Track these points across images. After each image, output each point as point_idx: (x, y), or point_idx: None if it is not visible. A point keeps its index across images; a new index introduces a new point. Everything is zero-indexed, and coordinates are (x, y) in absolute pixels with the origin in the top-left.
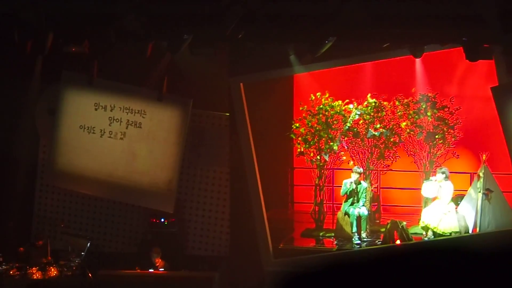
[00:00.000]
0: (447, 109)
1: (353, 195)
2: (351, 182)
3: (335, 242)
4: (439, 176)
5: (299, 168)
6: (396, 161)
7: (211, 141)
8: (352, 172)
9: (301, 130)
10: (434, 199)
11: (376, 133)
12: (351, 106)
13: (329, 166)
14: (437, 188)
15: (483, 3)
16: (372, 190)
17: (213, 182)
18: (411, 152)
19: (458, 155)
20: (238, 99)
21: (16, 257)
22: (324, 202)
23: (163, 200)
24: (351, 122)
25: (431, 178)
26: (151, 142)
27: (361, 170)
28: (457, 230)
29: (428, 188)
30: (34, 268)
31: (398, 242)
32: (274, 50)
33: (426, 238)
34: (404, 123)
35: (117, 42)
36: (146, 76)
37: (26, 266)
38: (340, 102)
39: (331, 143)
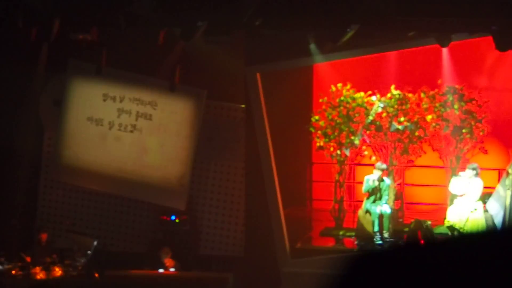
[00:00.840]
0: (475, 102)
1: (375, 192)
2: (374, 180)
3: (356, 242)
4: (469, 172)
5: (318, 163)
6: (420, 156)
7: (225, 134)
8: (375, 168)
9: (320, 123)
10: (461, 196)
11: (400, 127)
12: (373, 98)
13: (350, 162)
14: (465, 184)
15: None
16: (395, 187)
17: (227, 177)
18: (437, 147)
19: (486, 150)
20: (254, 90)
21: (19, 256)
22: (344, 199)
23: (175, 197)
24: (374, 115)
25: (460, 173)
26: (163, 135)
27: (384, 166)
28: (485, 230)
29: (457, 184)
30: (37, 268)
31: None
32: (293, 38)
33: None
34: (430, 117)
35: (127, 29)
36: (157, 66)
37: (29, 265)
38: (362, 94)
39: (352, 137)
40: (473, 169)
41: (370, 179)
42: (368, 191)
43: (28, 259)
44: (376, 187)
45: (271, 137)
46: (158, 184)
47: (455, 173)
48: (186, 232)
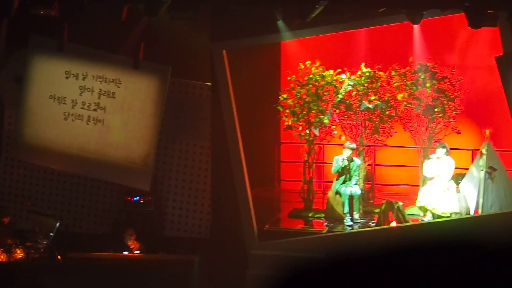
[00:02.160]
0: (447, 80)
1: (345, 173)
2: (343, 159)
3: (325, 223)
4: (440, 152)
5: (287, 143)
6: (391, 136)
7: (191, 113)
8: (344, 148)
9: (289, 101)
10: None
11: (370, 106)
12: (343, 76)
13: (319, 141)
14: (437, 165)
15: None
16: (365, 167)
17: (193, 157)
18: (408, 127)
19: (459, 131)
20: (220, 67)
21: None
22: (314, 180)
23: (139, 177)
24: (343, 93)
25: (431, 156)
26: (126, 113)
27: (354, 145)
28: (458, 211)
29: (430, 167)
30: None
31: (393, 224)
32: (260, 14)
33: (424, 219)
34: (401, 95)
35: (89, 4)
36: (121, 42)
37: None
38: (331, 71)
39: (322, 116)
40: (443, 147)
41: (340, 159)
42: (337, 172)
43: None
44: (345, 167)
45: (238, 116)
46: (122, 163)
47: (427, 153)
48: (150, 213)
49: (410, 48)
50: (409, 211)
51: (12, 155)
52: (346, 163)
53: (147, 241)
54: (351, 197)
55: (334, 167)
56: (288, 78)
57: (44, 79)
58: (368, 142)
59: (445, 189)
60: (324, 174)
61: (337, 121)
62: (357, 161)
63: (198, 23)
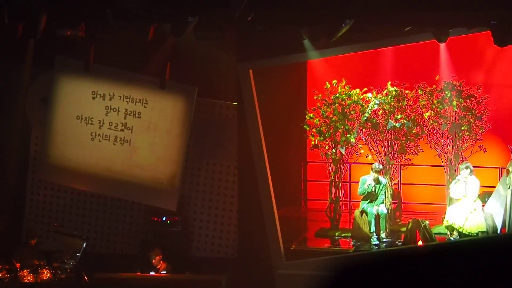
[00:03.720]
0: (473, 98)
1: (371, 195)
2: (369, 185)
3: (352, 242)
4: (464, 172)
5: (313, 162)
6: (418, 154)
7: (217, 132)
8: (371, 170)
9: (315, 121)
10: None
11: (396, 124)
12: (369, 95)
13: (346, 160)
14: (463, 186)
15: None
16: (392, 186)
17: (219, 177)
18: (435, 145)
19: (485, 149)
20: (247, 87)
21: (6, 258)
22: (340, 199)
23: (166, 197)
24: (370, 112)
25: (457, 178)
26: (153, 133)
27: (381, 167)
28: (484, 229)
29: (456, 188)
30: (25, 271)
31: (420, 243)
32: (286, 33)
33: (451, 239)
34: (427, 114)
35: (115, 24)
36: (147, 62)
37: (16, 268)
38: (358, 90)
39: (348, 135)
40: (466, 167)
41: (367, 180)
42: (363, 194)
43: (16, 262)
44: (371, 191)
45: (265, 135)
46: (148, 184)
47: (453, 172)
48: (177, 234)
49: (436, 66)
50: (436, 229)
51: (39, 176)
52: (373, 186)
53: (174, 261)
54: (377, 216)
55: (360, 189)
56: (315, 97)
57: (70, 100)
58: (394, 161)
59: (472, 209)
60: (350, 193)
61: (364, 140)
62: (384, 180)
63: (224, 43)
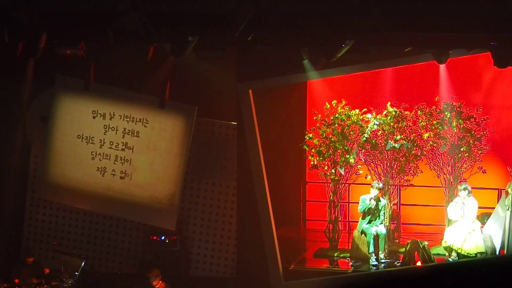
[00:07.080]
0: (473, 120)
1: (371, 212)
2: (371, 199)
3: (351, 263)
4: (462, 194)
5: (312, 182)
6: (417, 175)
7: (217, 152)
8: (372, 187)
9: (314, 141)
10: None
11: (396, 145)
12: (369, 115)
13: (345, 181)
14: (461, 207)
15: None
16: (391, 207)
17: (218, 197)
18: (434, 166)
19: (484, 170)
20: (246, 106)
21: (5, 276)
22: (339, 219)
23: (165, 216)
24: (369, 133)
25: (455, 200)
26: (152, 153)
27: (381, 185)
28: (483, 250)
29: (454, 210)
30: None
31: (419, 263)
32: (286, 54)
33: (449, 260)
34: (427, 134)
35: (115, 43)
36: (147, 81)
37: (15, 286)
38: (357, 111)
39: (347, 156)
40: (464, 189)
41: (367, 198)
42: (364, 211)
43: (15, 279)
44: (372, 207)
45: (264, 155)
46: (147, 203)
47: (452, 193)
48: (176, 253)
49: (436, 87)
50: (434, 250)
51: (38, 195)
52: (374, 203)
53: (173, 281)
54: (376, 237)
55: (361, 207)
56: (314, 118)
57: (70, 119)
58: (393, 182)
59: (471, 230)
60: (349, 213)
61: (363, 160)
62: (383, 201)
63: (224, 62)
